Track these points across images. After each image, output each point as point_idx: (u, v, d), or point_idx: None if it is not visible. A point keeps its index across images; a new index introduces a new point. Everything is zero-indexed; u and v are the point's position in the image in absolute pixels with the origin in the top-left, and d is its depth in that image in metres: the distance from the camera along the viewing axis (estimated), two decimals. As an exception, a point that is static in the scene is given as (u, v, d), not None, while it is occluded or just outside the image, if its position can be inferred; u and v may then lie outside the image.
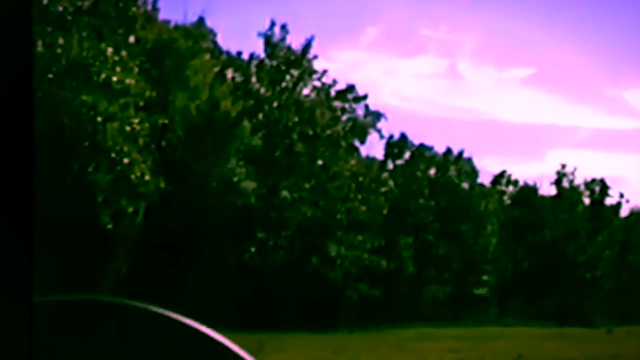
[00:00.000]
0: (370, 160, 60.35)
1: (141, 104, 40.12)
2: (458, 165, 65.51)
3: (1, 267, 2.16)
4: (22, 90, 2.19)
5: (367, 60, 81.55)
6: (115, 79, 38.13)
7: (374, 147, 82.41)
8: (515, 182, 69.51)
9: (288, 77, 54.67)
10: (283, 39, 54.51)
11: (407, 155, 64.46)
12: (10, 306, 2.19)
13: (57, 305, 3.04)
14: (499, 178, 69.18)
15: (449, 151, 65.84)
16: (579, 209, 68.52)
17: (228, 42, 78.26)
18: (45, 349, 2.65)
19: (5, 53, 2.20)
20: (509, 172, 69.62)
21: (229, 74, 52.37)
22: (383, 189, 56.75)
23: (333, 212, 51.58)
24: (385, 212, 56.12)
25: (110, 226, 38.56)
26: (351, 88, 58.78)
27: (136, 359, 3.06)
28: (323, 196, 51.52)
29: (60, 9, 40.41)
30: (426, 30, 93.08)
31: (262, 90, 53.63)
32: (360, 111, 59.65)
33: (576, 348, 36.83)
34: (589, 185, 69.50)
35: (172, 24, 47.72)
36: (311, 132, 52.68)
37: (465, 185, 65.59)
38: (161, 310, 3.14)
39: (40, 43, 36.88)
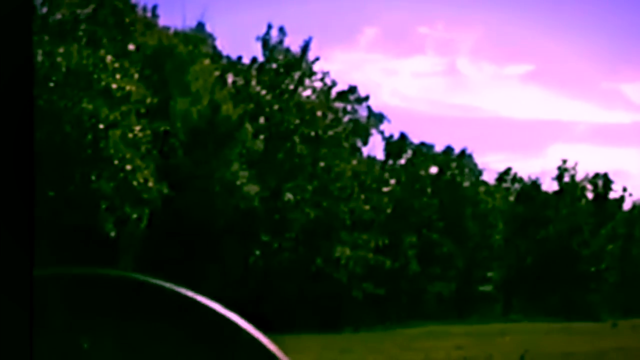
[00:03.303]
0: (372, 159, 60.40)
1: (142, 110, 40.16)
2: (460, 162, 65.59)
3: (1, 266, 2.14)
4: (22, 91, 2.19)
5: (366, 60, 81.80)
6: (115, 85, 38.16)
7: (374, 147, 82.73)
8: (520, 180, 69.57)
9: (288, 80, 54.71)
10: (280, 42, 54.60)
11: (409, 153, 64.53)
12: (10, 307, 2.15)
13: (58, 278, 2.95)
14: (503, 175, 69.25)
15: (449, 149, 65.93)
16: (581, 203, 68.55)
17: (227, 46, 78.49)
18: (45, 326, 2.63)
19: (5, 55, 2.18)
20: (513, 170, 69.79)
21: (229, 78, 52.45)
22: (385, 188, 56.80)
23: (336, 212, 51.62)
24: (388, 210, 56.16)
25: (112, 233, 38.62)
26: (352, 89, 58.87)
27: (144, 333, 3.03)
28: (326, 197, 51.57)
29: (59, 16, 40.44)
30: (424, 28, 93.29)
31: (263, 93, 53.68)
32: (362, 112, 59.75)
33: (581, 342, 36.84)
34: (592, 179, 69.56)
35: (172, 30, 47.86)
36: (312, 134, 52.73)
37: (467, 183, 65.65)
38: (173, 286, 3.11)
39: (39, 52, 36.91)
